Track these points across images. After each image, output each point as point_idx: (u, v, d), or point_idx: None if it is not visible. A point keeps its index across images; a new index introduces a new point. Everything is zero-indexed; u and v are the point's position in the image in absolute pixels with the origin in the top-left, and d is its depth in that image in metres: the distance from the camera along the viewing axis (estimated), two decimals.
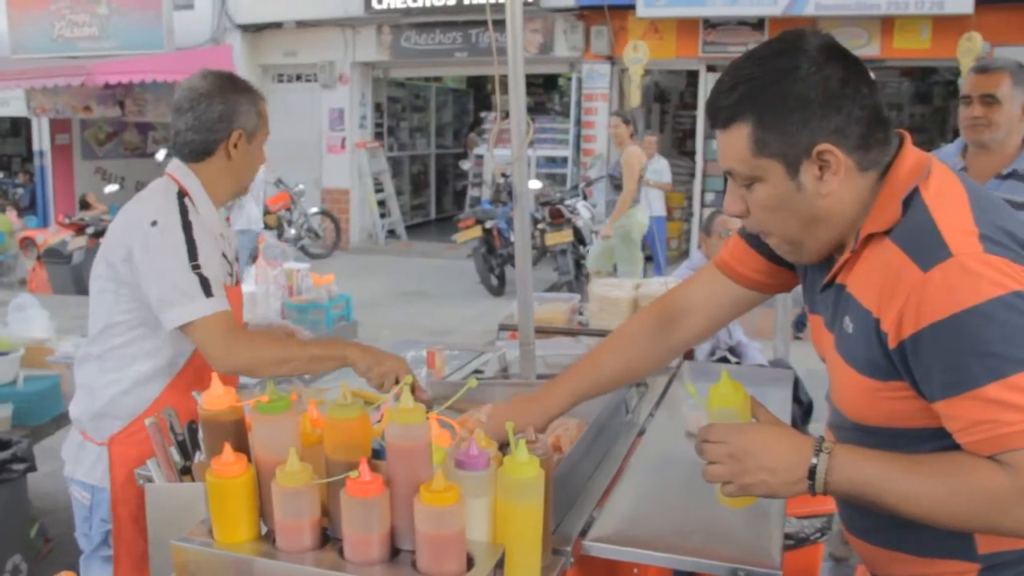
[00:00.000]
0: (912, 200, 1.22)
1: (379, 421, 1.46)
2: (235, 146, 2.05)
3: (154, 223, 1.93)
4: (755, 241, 1.53)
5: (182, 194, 2.00)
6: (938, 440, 1.21)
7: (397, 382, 1.92)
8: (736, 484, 1.26)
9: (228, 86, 2.06)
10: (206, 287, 1.91)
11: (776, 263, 1.53)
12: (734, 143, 1.27)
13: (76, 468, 2.12)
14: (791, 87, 1.21)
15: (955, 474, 1.15)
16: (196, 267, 1.91)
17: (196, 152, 2.06)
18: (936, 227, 1.17)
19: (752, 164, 1.26)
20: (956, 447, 1.18)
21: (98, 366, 2.05)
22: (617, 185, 7.28)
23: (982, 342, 1.11)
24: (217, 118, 2.03)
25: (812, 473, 1.22)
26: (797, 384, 3.55)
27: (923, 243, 1.17)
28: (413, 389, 1.92)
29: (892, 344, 1.19)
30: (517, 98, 2.26)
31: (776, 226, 1.31)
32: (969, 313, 1.11)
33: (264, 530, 1.32)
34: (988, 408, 1.11)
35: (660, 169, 9.50)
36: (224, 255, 2.09)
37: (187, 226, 1.95)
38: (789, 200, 1.27)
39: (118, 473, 2.02)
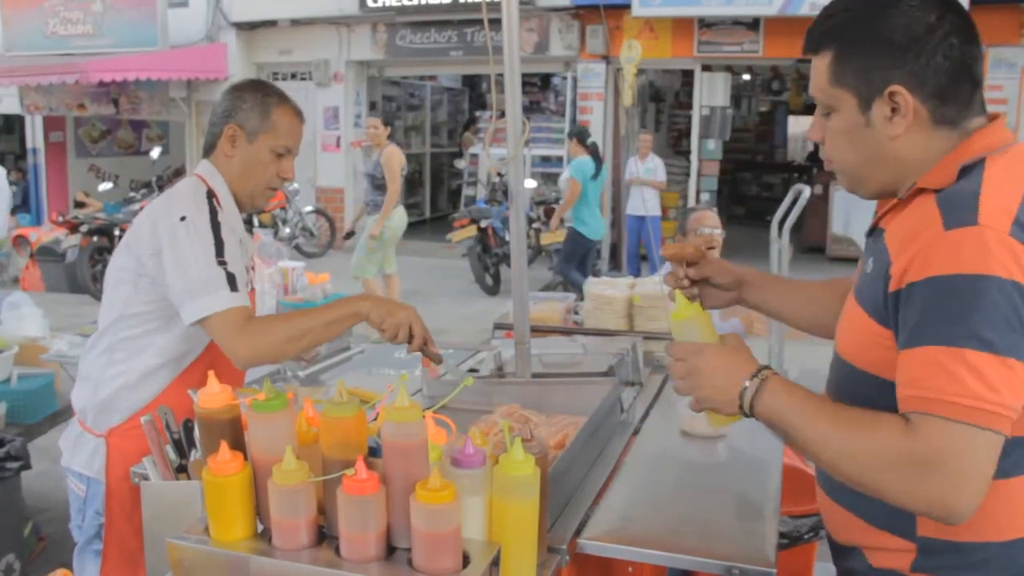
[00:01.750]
0: (973, 168, 1.22)
1: (375, 419, 1.46)
2: (232, 143, 2.06)
3: (183, 218, 1.94)
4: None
5: (210, 194, 2.02)
6: None
7: (411, 335, 1.94)
8: (694, 398, 1.35)
9: (244, 85, 2.12)
10: (232, 282, 1.92)
11: None
12: (818, 70, 1.32)
13: (73, 458, 2.12)
14: (877, 25, 1.24)
15: (862, 429, 1.18)
16: (222, 263, 1.92)
17: (206, 145, 2.11)
18: (978, 196, 1.18)
19: (829, 93, 1.30)
20: None
21: (107, 357, 2.05)
22: (378, 185, 7.30)
23: (961, 308, 1.11)
24: (221, 112, 2.08)
25: (743, 395, 1.28)
26: None
27: (958, 206, 1.18)
28: (426, 343, 1.95)
29: (892, 287, 1.20)
30: (513, 97, 2.26)
31: (843, 156, 1.34)
32: (966, 278, 1.12)
33: (260, 528, 1.32)
34: (931, 369, 1.12)
35: (654, 168, 9.50)
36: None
37: (216, 225, 1.96)
38: (858, 134, 1.30)
39: (115, 467, 2.02)
